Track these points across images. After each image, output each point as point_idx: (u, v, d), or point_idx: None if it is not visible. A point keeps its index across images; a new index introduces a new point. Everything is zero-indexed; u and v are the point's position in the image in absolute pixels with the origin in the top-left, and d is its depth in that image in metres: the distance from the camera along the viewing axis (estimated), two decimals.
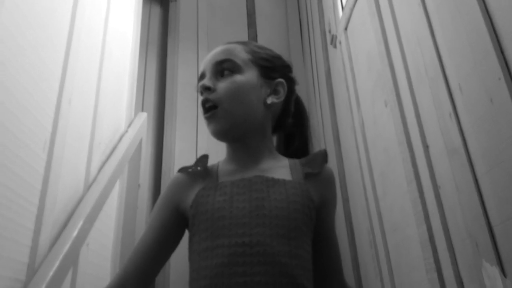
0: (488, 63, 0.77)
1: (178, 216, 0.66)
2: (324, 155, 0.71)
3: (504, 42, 0.74)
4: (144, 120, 1.67)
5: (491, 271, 0.80)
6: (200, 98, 0.68)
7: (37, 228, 0.91)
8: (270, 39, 2.83)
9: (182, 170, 0.70)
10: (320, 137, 2.28)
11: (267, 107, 0.70)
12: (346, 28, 1.75)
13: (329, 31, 2.03)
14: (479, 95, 0.81)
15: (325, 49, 2.13)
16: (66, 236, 0.98)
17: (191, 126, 2.40)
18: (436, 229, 1.02)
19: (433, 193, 1.02)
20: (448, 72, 0.92)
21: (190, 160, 0.74)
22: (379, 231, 1.42)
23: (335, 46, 1.93)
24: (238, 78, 0.67)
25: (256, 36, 2.87)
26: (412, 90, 1.11)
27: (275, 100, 0.71)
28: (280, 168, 0.68)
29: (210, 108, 0.66)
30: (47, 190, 0.95)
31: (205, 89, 0.67)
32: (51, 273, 0.87)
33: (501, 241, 0.78)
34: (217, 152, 0.81)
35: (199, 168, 0.69)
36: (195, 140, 2.33)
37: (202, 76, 0.71)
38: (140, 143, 1.60)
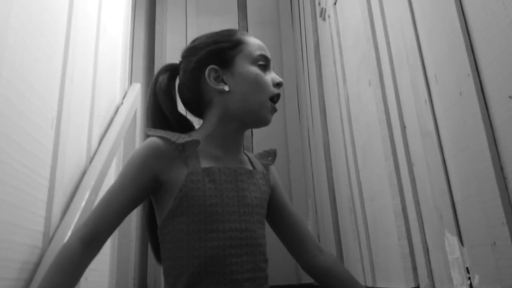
0: (460, 58, 0.85)
1: (153, 183, 0.70)
2: (275, 152, 0.85)
3: (475, 40, 0.83)
4: (138, 91, 1.73)
5: (452, 240, 0.93)
6: (269, 85, 0.76)
7: (49, 199, 1.00)
8: (259, 6, 2.83)
9: (165, 140, 0.71)
10: (308, 107, 2.37)
11: None
12: (335, 3, 1.79)
13: (319, 4, 2.06)
14: (451, 87, 0.90)
15: (315, 20, 2.18)
16: (76, 206, 1.07)
17: None
18: (408, 201, 1.14)
19: (407, 169, 1.14)
20: (426, 62, 1.01)
21: None
22: (359, 199, 1.55)
23: (324, 19, 1.98)
24: None
25: (246, 1, 2.86)
26: (394, 74, 1.20)
27: None
28: (247, 160, 0.79)
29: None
30: (56, 164, 1.03)
31: (281, 86, 0.75)
32: (65, 241, 0.97)
33: (461, 215, 0.91)
34: None
35: (179, 141, 0.70)
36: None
37: (269, 61, 0.78)
38: (135, 114, 1.67)
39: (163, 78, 0.79)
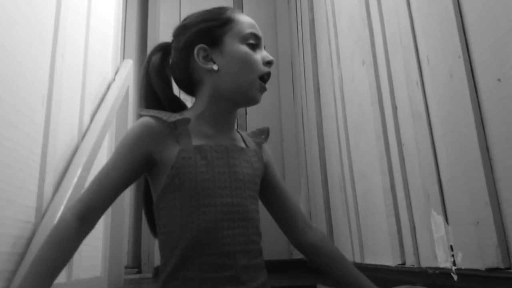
0: (452, 41, 0.86)
1: (146, 161, 0.71)
2: (268, 131, 0.86)
3: (467, 23, 0.83)
4: (130, 68, 1.71)
5: (437, 219, 0.95)
6: (261, 65, 0.76)
7: (41, 176, 1.01)
8: None
9: (157, 119, 0.72)
10: (302, 87, 2.36)
11: None
12: None
13: None
14: (442, 68, 0.90)
15: None
16: (67, 183, 1.08)
17: None
18: (397, 180, 1.17)
19: (397, 150, 1.15)
20: (419, 43, 1.01)
21: None
22: (349, 178, 1.57)
23: None
24: None
25: None
26: (387, 55, 1.20)
27: None
28: (240, 138, 0.80)
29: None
30: (48, 141, 1.03)
31: (271, 65, 0.75)
32: (57, 216, 0.98)
33: (448, 195, 0.93)
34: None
35: (171, 119, 0.71)
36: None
37: (259, 39, 0.77)
38: (127, 91, 1.66)
39: (155, 58, 0.79)
